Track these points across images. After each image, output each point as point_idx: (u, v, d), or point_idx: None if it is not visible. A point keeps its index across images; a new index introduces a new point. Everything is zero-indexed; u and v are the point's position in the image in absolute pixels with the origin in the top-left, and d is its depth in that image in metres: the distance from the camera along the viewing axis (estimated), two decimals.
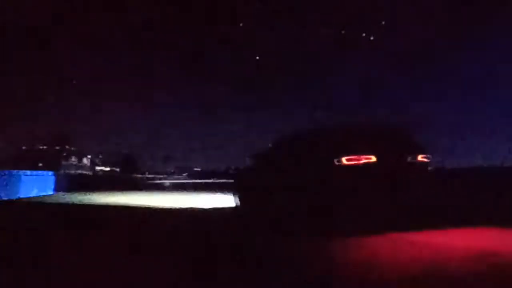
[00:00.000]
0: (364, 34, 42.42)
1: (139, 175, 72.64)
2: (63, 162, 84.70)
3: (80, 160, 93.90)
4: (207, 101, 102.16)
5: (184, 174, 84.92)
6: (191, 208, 8.76)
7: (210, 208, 8.67)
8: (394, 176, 5.14)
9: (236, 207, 7.58)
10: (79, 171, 71.39)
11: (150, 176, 73.99)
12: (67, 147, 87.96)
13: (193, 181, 36.34)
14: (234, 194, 7.80)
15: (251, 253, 4.00)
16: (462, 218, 5.75)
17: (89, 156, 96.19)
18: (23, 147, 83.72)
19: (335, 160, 5.19)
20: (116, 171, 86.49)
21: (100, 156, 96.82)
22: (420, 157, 5.48)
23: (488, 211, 6.27)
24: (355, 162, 5.02)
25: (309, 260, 3.66)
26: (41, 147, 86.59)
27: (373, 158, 5.01)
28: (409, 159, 5.48)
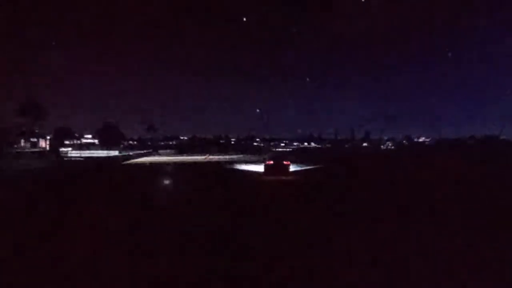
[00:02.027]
0: None
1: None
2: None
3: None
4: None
5: (170, 143, 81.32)
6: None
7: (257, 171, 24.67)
8: (278, 168, 21.70)
9: (264, 170, 22.80)
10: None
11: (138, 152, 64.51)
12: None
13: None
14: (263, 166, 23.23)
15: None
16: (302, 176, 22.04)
17: (48, 137, 60.35)
18: None
19: (266, 162, 21.76)
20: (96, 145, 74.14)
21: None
22: (286, 162, 21.93)
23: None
24: (267, 163, 22.00)
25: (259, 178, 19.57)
26: None
27: (272, 162, 21.64)
28: (284, 162, 21.90)
